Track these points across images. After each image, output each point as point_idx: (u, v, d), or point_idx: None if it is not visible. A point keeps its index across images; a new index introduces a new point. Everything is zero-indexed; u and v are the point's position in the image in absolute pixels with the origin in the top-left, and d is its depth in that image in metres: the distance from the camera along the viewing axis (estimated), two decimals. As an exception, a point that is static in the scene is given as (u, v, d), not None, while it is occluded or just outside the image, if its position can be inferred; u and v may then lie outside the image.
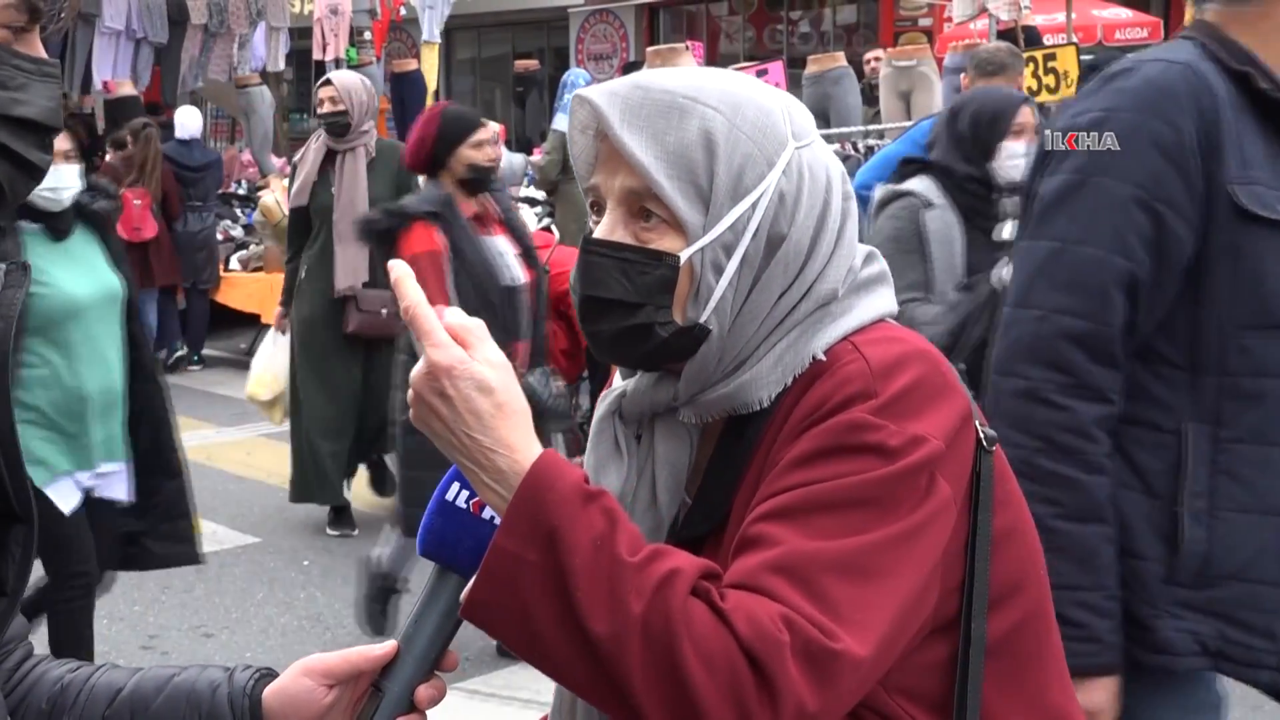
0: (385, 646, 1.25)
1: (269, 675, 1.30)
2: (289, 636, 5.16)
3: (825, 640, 1.16)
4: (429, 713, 1.26)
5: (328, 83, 6.27)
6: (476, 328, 1.21)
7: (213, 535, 6.32)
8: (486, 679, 4.66)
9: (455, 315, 1.22)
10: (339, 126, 6.18)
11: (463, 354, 1.19)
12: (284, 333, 6.44)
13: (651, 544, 1.19)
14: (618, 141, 1.29)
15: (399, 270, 1.21)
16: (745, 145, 1.30)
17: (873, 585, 1.20)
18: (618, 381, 1.45)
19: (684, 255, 1.30)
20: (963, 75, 5.71)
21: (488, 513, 1.21)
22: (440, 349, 1.18)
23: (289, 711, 1.26)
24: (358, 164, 6.20)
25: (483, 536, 1.20)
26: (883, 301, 1.39)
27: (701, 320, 1.31)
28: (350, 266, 6.09)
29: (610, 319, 1.33)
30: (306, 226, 6.35)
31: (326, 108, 6.20)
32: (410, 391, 1.20)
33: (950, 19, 11.81)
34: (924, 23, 16.18)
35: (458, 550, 1.21)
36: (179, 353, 10.72)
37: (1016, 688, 1.38)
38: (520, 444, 1.18)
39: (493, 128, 4.82)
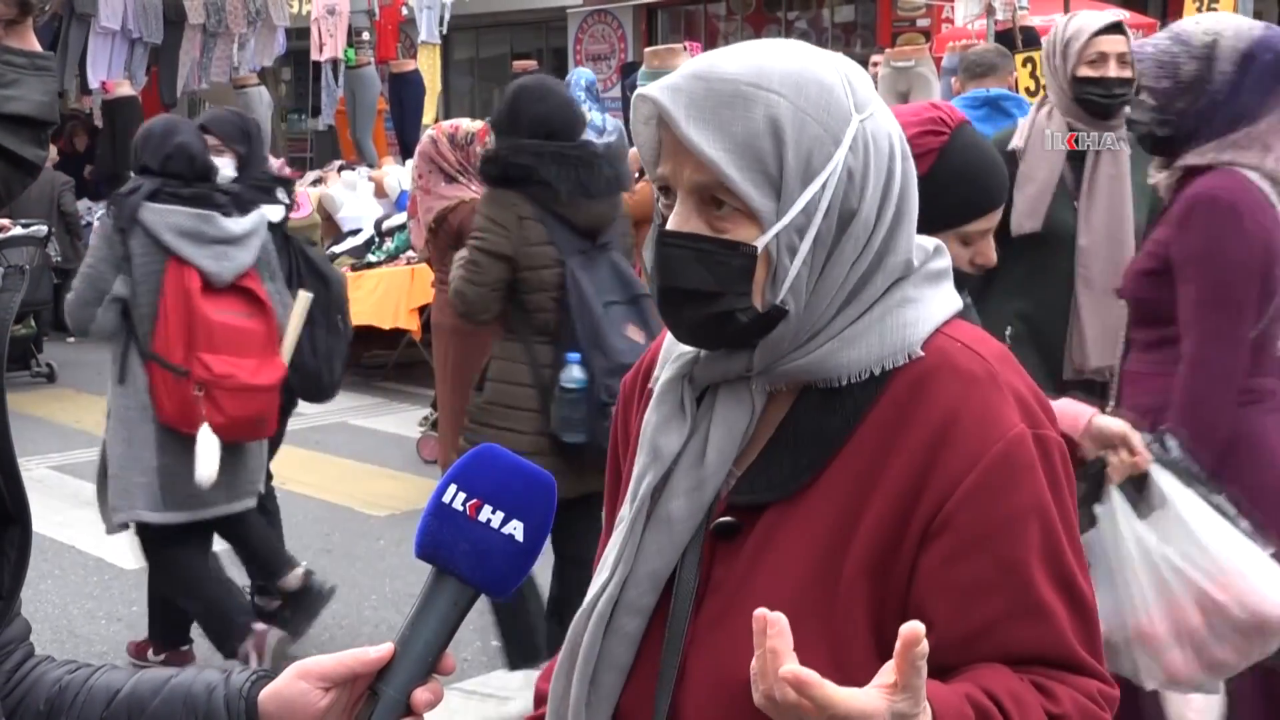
0: (382, 649, 1.24)
1: (266, 677, 1.29)
2: (288, 637, 5.15)
3: (1112, 690, 1.33)
4: (426, 716, 1.26)
5: (1116, 28, 3.64)
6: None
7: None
8: (484, 679, 4.66)
9: (803, 672, 1.11)
10: (1117, 101, 3.59)
11: (877, 700, 1.12)
12: None
13: (1000, 690, 1.24)
14: (685, 139, 1.29)
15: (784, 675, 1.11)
16: (812, 127, 1.30)
17: (1094, 612, 1.35)
18: (673, 345, 1.46)
19: (760, 244, 1.31)
20: (954, 79, 5.71)
21: (484, 515, 1.21)
22: (861, 712, 1.12)
23: (285, 714, 1.25)
24: (1120, 167, 3.70)
25: (478, 539, 1.20)
26: (953, 297, 1.43)
27: (778, 301, 1.33)
28: (1106, 334, 3.56)
29: (691, 308, 1.34)
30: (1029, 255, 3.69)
31: (1112, 70, 3.58)
32: None
33: (950, 20, 11.83)
34: (922, 23, 16.17)
35: (454, 553, 1.21)
36: None
37: None
38: None
39: None
